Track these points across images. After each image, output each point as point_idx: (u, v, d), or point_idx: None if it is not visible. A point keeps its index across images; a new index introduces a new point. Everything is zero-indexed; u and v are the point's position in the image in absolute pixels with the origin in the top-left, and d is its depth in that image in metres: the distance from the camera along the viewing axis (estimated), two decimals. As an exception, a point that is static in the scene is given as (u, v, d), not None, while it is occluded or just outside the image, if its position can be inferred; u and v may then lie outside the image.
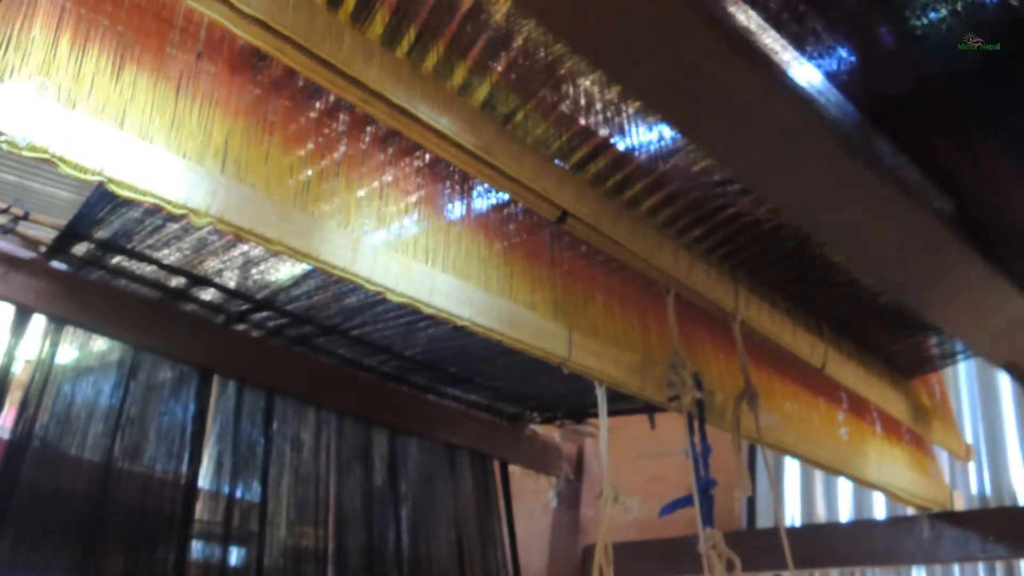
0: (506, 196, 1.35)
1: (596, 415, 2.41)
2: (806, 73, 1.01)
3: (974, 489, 2.73)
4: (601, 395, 1.51)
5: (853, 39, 1.01)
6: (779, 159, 1.09)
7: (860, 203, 1.16)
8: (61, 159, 0.89)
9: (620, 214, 1.35)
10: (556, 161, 1.27)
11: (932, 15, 0.94)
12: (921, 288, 1.39)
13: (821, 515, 2.99)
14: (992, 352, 1.68)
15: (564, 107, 1.22)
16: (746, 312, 1.55)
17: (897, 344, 1.94)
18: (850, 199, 1.17)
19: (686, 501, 1.37)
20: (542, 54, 1.12)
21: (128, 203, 1.44)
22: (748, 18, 1.04)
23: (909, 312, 1.77)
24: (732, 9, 0.93)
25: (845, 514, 2.93)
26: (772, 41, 1.04)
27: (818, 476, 3.05)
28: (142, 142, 0.96)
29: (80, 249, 1.60)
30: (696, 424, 1.44)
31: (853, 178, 1.11)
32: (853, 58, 1.04)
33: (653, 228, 1.42)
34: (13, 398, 1.60)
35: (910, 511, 2.71)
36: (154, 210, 1.45)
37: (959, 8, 0.93)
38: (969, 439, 2.74)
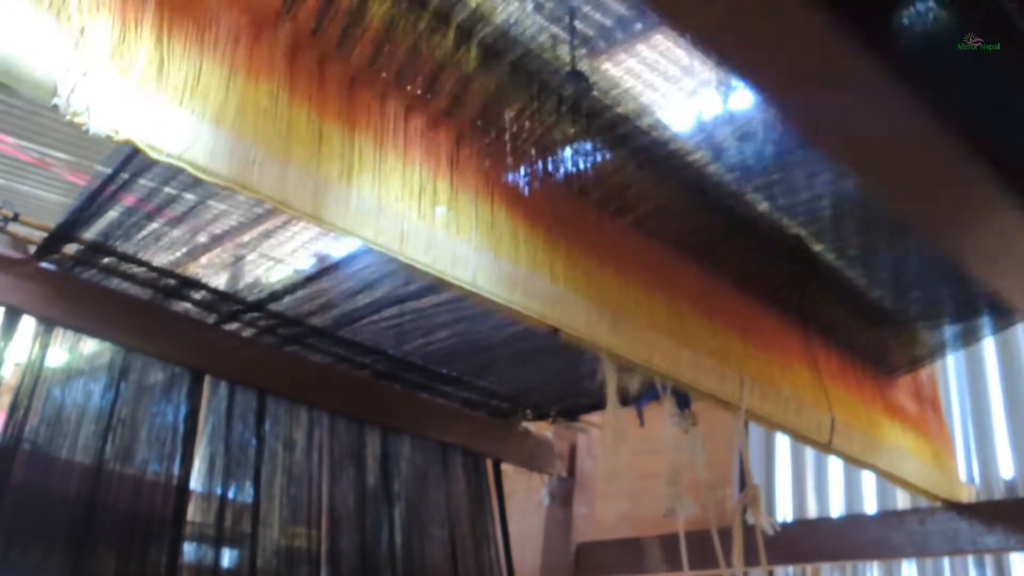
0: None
1: (588, 411, 2.42)
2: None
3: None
4: (611, 374, 1.47)
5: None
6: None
7: (908, 142, 1.11)
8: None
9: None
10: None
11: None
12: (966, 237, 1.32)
13: (812, 510, 3.00)
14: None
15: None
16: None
17: (887, 342, 1.94)
18: (896, 140, 1.12)
19: (655, 395, 1.48)
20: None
21: (117, 204, 1.43)
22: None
23: (895, 307, 1.79)
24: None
25: (836, 509, 2.94)
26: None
27: (809, 471, 3.06)
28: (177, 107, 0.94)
29: (69, 250, 1.60)
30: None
31: (899, 116, 1.06)
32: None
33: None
34: (2, 401, 1.59)
35: (900, 506, 2.72)
36: (141, 209, 1.45)
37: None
38: (958, 431, 2.76)
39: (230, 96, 0.98)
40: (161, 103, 0.93)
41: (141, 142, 0.89)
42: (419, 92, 1.18)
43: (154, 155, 0.90)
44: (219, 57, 0.99)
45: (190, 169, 0.92)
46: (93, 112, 0.87)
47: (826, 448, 1.72)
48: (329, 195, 1.02)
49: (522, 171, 1.29)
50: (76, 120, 0.85)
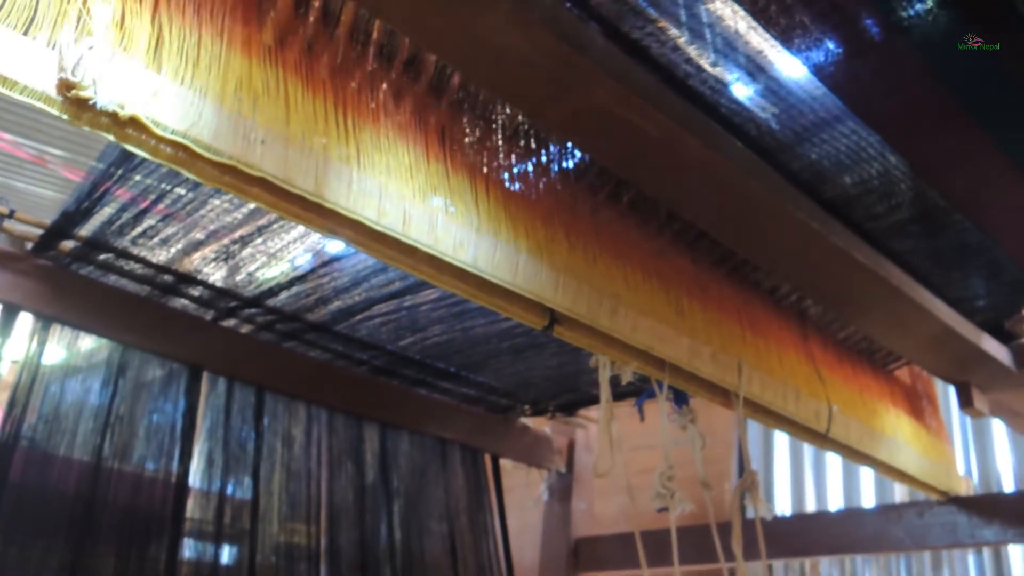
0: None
1: (586, 407, 2.42)
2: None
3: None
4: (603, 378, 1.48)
5: (840, 31, 1.01)
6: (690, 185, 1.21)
7: (775, 230, 1.31)
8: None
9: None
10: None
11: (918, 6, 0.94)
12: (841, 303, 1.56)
13: (811, 504, 3.01)
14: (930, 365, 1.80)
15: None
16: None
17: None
18: (764, 226, 1.31)
19: (651, 393, 1.50)
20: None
21: (114, 200, 1.43)
22: (735, 14, 1.04)
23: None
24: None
25: (835, 503, 2.95)
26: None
27: (807, 465, 3.07)
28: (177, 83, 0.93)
29: (67, 246, 1.59)
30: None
31: (764, 204, 1.25)
32: (840, 50, 1.04)
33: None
34: (0, 399, 1.59)
35: (898, 499, 2.72)
36: (137, 205, 1.44)
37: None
38: (955, 424, 2.77)
39: (229, 74, 0.98)
40: (164, 79, 0.92)
41: (146, 118, 0.88)
42: (405, 73, 1.17)
43: (159, 132, 0.89)
44: (217, 35, 0.99)
45: (195, 147, 0.91)
46: (99, 86, 0.86)
47: (824, 440, 1.72)
48: (330, 174, 1.01)
49: (520, 155, 1.29)
50: (82, 95, 0.84)
